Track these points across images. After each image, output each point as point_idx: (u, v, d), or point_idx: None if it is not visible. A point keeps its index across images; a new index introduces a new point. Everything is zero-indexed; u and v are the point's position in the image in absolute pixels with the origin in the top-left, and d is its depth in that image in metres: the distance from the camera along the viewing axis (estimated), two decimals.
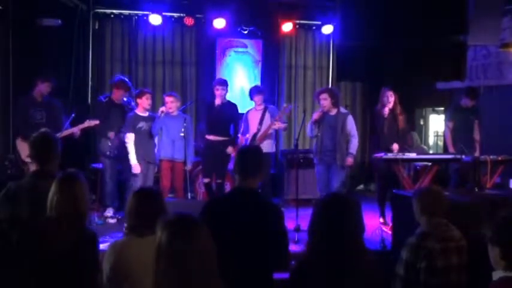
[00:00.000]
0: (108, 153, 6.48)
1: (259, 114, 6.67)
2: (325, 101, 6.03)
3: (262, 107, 6.69)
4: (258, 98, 6.67)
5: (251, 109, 6.84)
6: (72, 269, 2.54)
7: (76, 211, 2.66)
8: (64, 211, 2.63)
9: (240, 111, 6.83)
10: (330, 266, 2.36)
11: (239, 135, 6.78)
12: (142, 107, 6.28)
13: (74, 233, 2.60)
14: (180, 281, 1.87)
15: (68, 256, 2.54)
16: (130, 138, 6.19)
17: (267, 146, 6.50)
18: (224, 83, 6.52)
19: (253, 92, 6.74)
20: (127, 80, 6.76)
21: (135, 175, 6.17)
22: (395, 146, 6.15)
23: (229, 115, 6.55)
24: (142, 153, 6.21)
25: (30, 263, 2.50)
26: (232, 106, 6.64)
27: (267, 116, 6.65)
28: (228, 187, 7.04)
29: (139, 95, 6.30)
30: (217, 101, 6.45)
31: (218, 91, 6.43)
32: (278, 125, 6.57)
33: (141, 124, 6.22)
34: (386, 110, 6.20)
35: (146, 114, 6.31)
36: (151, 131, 6.24)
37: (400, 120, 6.24)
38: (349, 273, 2.37)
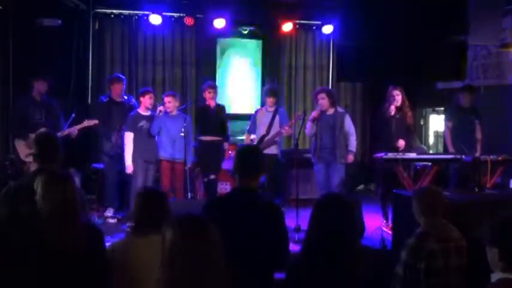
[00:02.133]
0: (110, 152, 6.50)
1: (269, 116, 6.66)
2: (323, 100, 6.09)
3: (273, 108, 6.70)
4: (271, 100, 6.66)
5: (261, 109, 6.87)
6: (76, 266, 2.54)
7: (66, 208, 2.64)
8: (53, 208, 2.62)
9: (239, 111, 6.89)
10: (327, 266, 2.36)
11: (245, 133, 6.82)
12: (144, 105, 6.29)
13: (70, 231, 2.59)
14: (190, 280, 1.86)
15: (69, 254, 2.53)
16: (128, 138, 6.19)
17: (272, 148, 6.57)
18: (214, 86, 6.74)
19: (266, 92, 6.75)
20: (118, 75, 6.86)
21: (135, 175, 6.17)
22: (401, 142, 6.11)
23: (222, 116, 6.75)
24: (142, 152, 6.21)
25: (32, 262, 2.50)
26: (222, 107, 6.87)
27: (277, 119, 6.65)
28: (228, 187, 7.05)
29: (143, 93, 6.34)
30: (212, 103, 6.63)
31: (210, 94, 6.61)
32: (286, 131, 6.59)
33: (142, 123, 6.23)
34: (392, 109, 6.17)
35: (148, 113, 6.31)
36: (151, 131, 6.24)
37: (408, 117, 6.22)
38: (346, 274, 2.37)
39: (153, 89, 7.08)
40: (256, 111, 6.87)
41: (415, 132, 6.46)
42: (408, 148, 6.15)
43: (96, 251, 2.63)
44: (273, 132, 6.60)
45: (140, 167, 6.20)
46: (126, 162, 6.18)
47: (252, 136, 6.71)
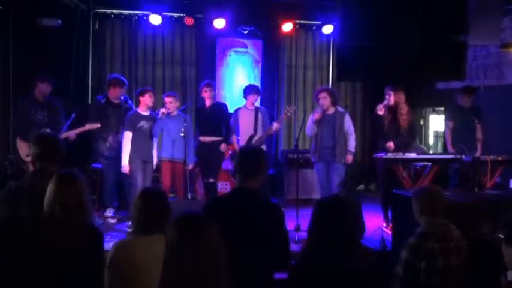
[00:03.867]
0: (106, 154, 6.47)
1: (252, 115, 6.61)
2: (325, 100, 6.09)
3: (253, 107, 6.67)
4: (254, 97, 6.61)
5: (241, 108, 6.75)
6: (75, 267, 2.54)
7: (76, 209, 2.65)
8: (64, 209, 2.62)
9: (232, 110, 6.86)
10: (329, 266, 2.36)
11: (232, 135, 6.77)
12: (145, 104, 6.22)
13: (75, 231, 2.60)
14: (189, 280, 1.86)
15: (70, 254, 2.53)
16: (127, 137, 6.13)
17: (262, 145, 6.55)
18: (211, 85, 6.57)
19: (249, 90, 6.64)
20: (122, 77, 6.76)
21: (134, 175, 6.13)
22: (390, 144, 6.08)
23: (220, 115, 6.61)
24: (140, 152, 6.17)
25: (31, 261, 2.50)
26: (222, 106, 6.74)
27: (260, 117, 6.62)
28: (228, 187, 7.05)
29: (142, 92, 6.26)
30: (208, 103, 6.51)
31: (206, 93, 6.47)
32: (276, 128, 6.57)
33: (142, 123, 6.19)
34: (379, 108, 6.16)
35: (148, 113, 6.26)
36: (152, 132, 6.21)
37: (402, 120, 6.18)
38: (348, 274, 2.37)
39: (152, 88, 7.01)
40: (237, 111, 6.76)
41: (413, 133, 6.39)
42: (406, 148, 6.10)
43: (95, 252, 2.63)
44: (258, 130, 6.58)
45: (138, 167, 6.16)
46: (122, 161, 6.11)
47: (238, 137, 6.67)
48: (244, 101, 6.71)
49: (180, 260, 1.88)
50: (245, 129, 6.62)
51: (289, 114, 6.63)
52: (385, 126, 6.16)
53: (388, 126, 6.17)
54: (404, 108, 6.19)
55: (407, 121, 6.19)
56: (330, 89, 6.72)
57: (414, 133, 6.46)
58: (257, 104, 6.99)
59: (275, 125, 6.50)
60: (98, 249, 2.68)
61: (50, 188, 2.67)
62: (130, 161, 6.14)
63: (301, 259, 2.51)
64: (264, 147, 6.58)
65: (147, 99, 6.20)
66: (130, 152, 6.14)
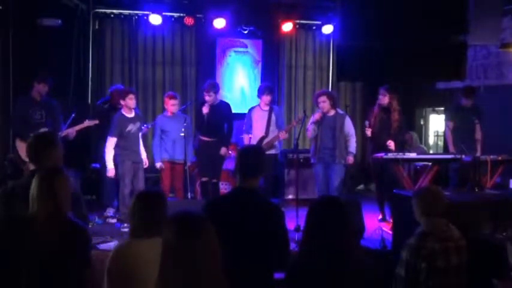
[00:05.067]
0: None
1: (265, 115, 6.60)
2: (324, 103, 6.11)
3: (268, 107, 6.66)
4: (267, 98, 6.58)
5: (255, 107, 6.76)
6: (57, 265, 2.53)
7: (56, 207, 2.64)
8: (43, 207, 2.61)
9: (239, 111, 6.82)
10: (326, 266, 2.36)
11: (244, 134, 6.76)
12: (126, 107, 6.16)
13: (55, 229, 2.58)
14: (185, 280, 1.86)
15: (50, 253, 2.53)
16: (111, 143, 6.08)
17: (272, 149, 6.56)
18: (210, 89, 6.40)
19: (262, 90, 6.62)
20: (121, 87, 6.81)
21: (123, 177, 6.10)
22: (390, 144, 6.14)
23: (221, 116, 6.53)
24: (130, 155, 6.14)
25: (15, 261, 2.50)
26: (224, 106, 6.65)
27: (273, 118, 6.61)
28: (228, 187, 7.05)
29: (123, 95, 6.20)
30: (206, 106, 6.40)
31: (206, 97, 6.41)
32: (283, 136, 6.64)
33: (130, 127, 6.14)
34: (375, 108, 6.30)
35: (132, 114, 6.21)
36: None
37: (392, 120, 6.22)
38: (346, 274, 2.37)
39: (152, 89, 7.01)
40: (251, 110, 6.76)
41: (401, 134, 6.42)
42: (405, 150, 6.14)
43: (77, 250, 2.62)
44: (271, 132, 6.57)
45: (128, 169, 6.12)
46: (108, 165, 6.08)
47: (250, 135, 6.65)
48: (259, 101, 6.72)
49: (176, 260, 1.87)
50: (257, 129, 6.61)
51: (297, 124, 6.68)
52: (377, 125, 6.24)
53: (381, 125, 6.22)
54: (396, 111, 6.24)
55: (398, 124, 6.25)
56: (329, 92, 6.75)
57: (403, 134, 6.49)
58: None
59: (282, 134, 6.54)
60: (81, 247, 2.66)
61: (32, 186, 2.66)
62: (122, 163, 6.12)
63: (298, 259, 2.51)
64: (274, 151, 6.58)
65: (128, 102, 6.13)
66: (121, 155, 6.12)
